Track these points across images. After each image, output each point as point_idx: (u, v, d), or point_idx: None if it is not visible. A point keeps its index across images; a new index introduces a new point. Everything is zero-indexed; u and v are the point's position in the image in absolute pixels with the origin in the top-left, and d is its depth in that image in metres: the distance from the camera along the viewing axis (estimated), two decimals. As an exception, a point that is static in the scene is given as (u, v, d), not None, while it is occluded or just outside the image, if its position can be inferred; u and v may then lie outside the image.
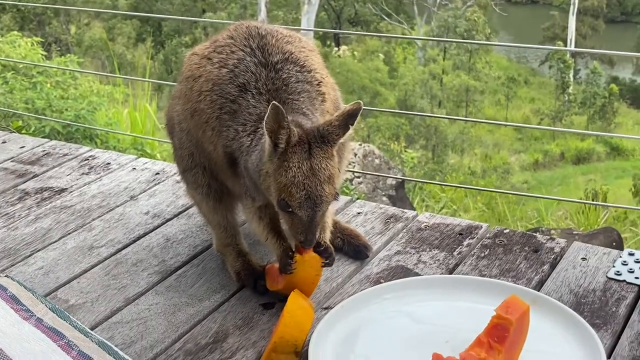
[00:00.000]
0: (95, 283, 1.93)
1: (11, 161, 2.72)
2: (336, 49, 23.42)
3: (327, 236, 1.74)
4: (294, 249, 1.69)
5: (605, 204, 9.73)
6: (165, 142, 4.70)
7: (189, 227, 2.21)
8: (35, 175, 2.60)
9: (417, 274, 1.92)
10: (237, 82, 1.71)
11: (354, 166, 8.11)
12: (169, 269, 1.99)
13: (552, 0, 28.02)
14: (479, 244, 2.06)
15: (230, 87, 1.71)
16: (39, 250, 2.09)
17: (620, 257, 1.95)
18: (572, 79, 23.17)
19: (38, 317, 1.53)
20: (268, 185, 1.61)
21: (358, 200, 2.35)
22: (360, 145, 8.94)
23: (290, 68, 1.73)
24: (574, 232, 6.65)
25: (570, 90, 22.82)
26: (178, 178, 2.25)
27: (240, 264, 1.91)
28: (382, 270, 1.94)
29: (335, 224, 1.98)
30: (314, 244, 1.61)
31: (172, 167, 2.56)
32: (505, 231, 2.12)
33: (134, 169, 2.63)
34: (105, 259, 2.05)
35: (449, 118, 21.31)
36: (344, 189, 7.06)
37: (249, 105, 1.69)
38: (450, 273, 1.93)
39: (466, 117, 20.86)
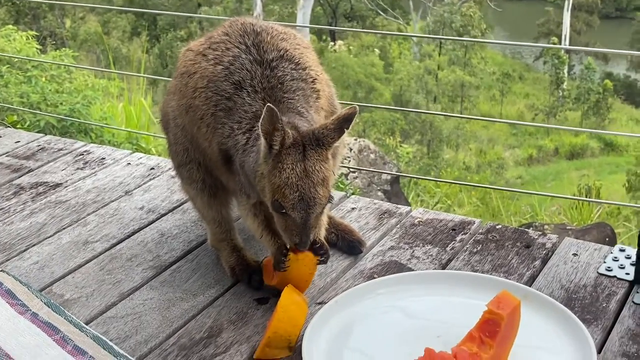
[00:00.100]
0: (90, 278, 1.94)
1: (6, 156, 2.73)
2: (332, 43, 23.38)
3: (322, 234, 1.74)
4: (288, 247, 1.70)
5: (599, 200, 9.75)
6: (160, 137, 4.70)
7: (184, 223, 2.22)
8: (30, 170, 2.60)
9: (410, 269, 1.93)
10: (232, 79, 1.72)
11: (349, 161, 8.11)
12: (164, 264, 2.00)
13: (547, -4, 28.01)
14: (471, 240, 2.07)
15: (225, 85, 1.72)
16: (34, 245, 2.10)
17: (611, 252, 1.97)
18: (566, 74, 23.16)
19: (33, 312, 1.54)
20: (263, 187, 1.62)
21: (352, 196, 2.36)
22: (355, 140, 8.93)
23: (286, 66, 1.74)
24: (567, 228, 6.67)
25: (564, 86, 22.83)
26: (173, 173, 2.25)
27: (235, 259, 1.92)
28: (375, 265, 1.96)
29: (330, 220, 1.99)
30: (309, 246, 1.62)
31: (166, 162, 2.57)
32: (497, 227, 2.14)
33: (129, 164, 2.64)
34: (100, 254, 2.06)
35: (443, 114, 21.32)
36: (339, 184, 7.06)
37: (244, 103, 1.70)
38: (443, 268, 1.94)
39: (461, 112, 20.86)
